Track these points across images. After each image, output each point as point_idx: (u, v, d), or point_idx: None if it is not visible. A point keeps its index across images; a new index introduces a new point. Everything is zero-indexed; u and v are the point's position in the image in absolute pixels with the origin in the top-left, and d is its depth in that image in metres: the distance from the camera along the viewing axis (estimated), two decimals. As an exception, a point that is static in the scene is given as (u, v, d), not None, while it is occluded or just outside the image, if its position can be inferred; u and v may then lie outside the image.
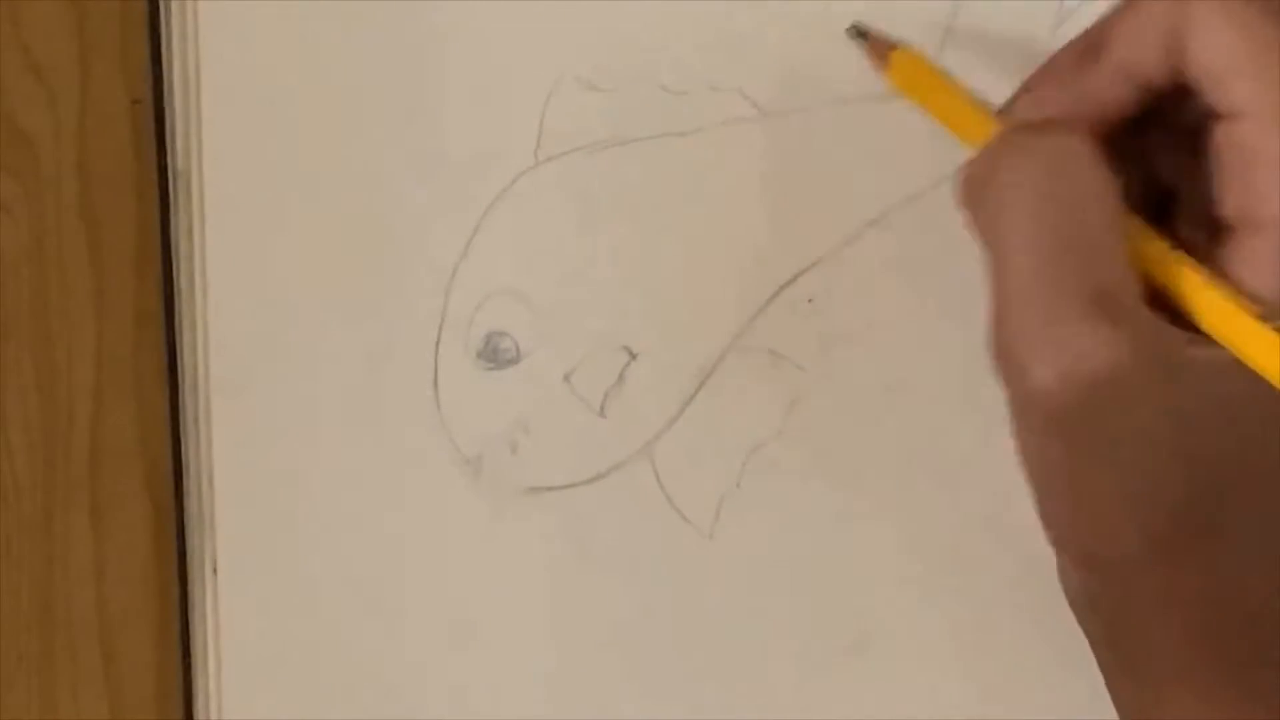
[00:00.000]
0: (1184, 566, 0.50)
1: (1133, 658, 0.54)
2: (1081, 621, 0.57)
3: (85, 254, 0.70)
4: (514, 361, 0.68)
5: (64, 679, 0.72)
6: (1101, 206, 0.50)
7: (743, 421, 0.67)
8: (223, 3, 0.67)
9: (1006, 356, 0.50)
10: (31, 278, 0.70)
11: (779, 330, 0.67)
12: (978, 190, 0.53)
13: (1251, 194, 0.50)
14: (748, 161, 0.66)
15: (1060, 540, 0.54)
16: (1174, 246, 0.51)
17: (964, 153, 0.56)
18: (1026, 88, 0.56)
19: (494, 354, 0.68)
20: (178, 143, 0.68)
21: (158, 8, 0.68)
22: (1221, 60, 0.50)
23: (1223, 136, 0.51)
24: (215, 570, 0.69)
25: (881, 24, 0.65)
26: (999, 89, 0.65)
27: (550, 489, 0.68)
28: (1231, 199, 0.51)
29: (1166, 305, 0.51)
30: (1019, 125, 0.54)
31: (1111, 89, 0.53)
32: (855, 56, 0.62)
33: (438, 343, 0.68)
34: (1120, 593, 0.53)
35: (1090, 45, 0.54)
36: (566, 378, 0.67)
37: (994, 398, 0.67)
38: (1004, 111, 0.57)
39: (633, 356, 0.67)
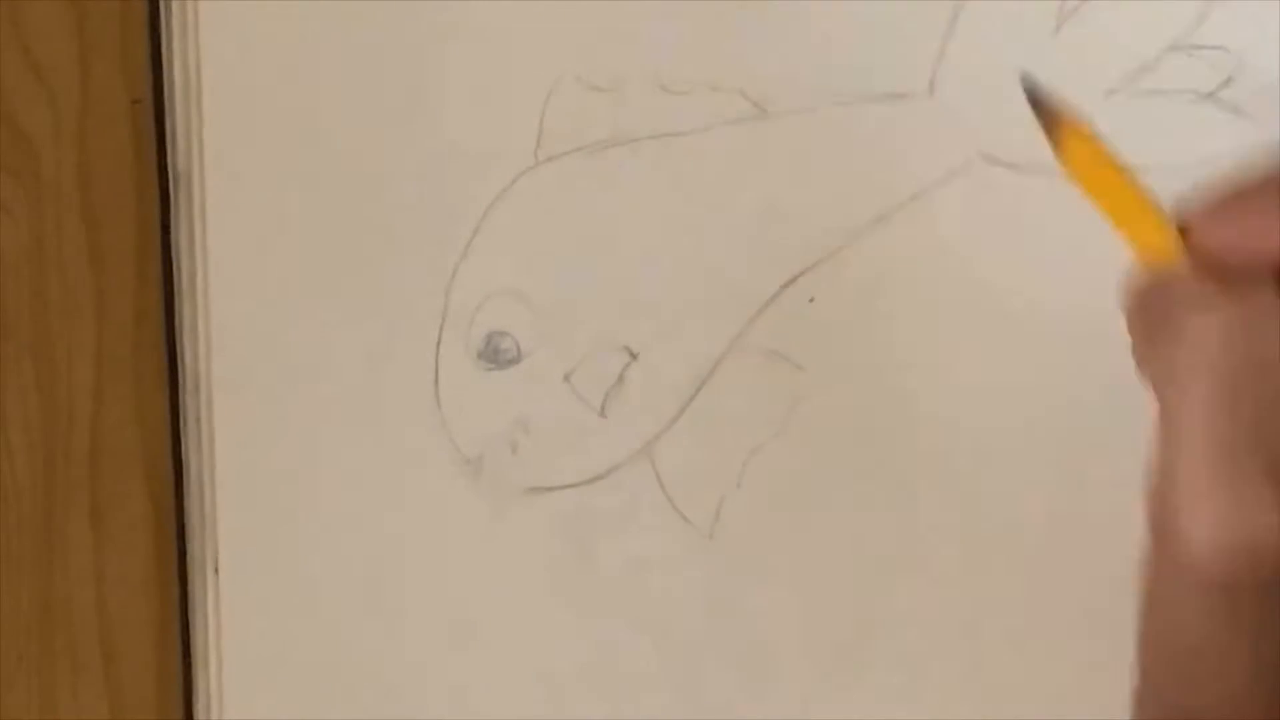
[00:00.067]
0: None
1: None
2: None
3: (85, 254, 0.70)
4: (514, 361, 0.67)
5: (64, 679, 0.72)
6: None
7: (743, 422, 0.67)
8: (223, 3, 0.67)
9: (1166, 513, 0.47)
10: (31, 278, 0.70)
11: (779, 330, 0.67)
12: (1151, 328, 0.47)
13: None
14: (748, 161, 0.66)
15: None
16: None
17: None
18: (1223, 205, 0.47)
19: (494, 354, 0.68)
20: (178, 143, 0.68)
21: (158, 8, 0.68)
22: None
23: None
24: (216, 570, 0.69)
25: (882, 24, 0.65)
26: (999, 89, 0.65)
27: (551, 489, 0.68)
28: None
29: None
30: (1210, 273, 0.47)
31: None
32: (855, 56, 0.62)
33: (438, 343, 0.67)
34: None
35: None
36: (567, 378, 0.67)
37: (995, 398, 0.67)
38: (1188, 223, 0.47)
39: (633, 356, 0.67)
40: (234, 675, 0.70)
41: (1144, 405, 0.67)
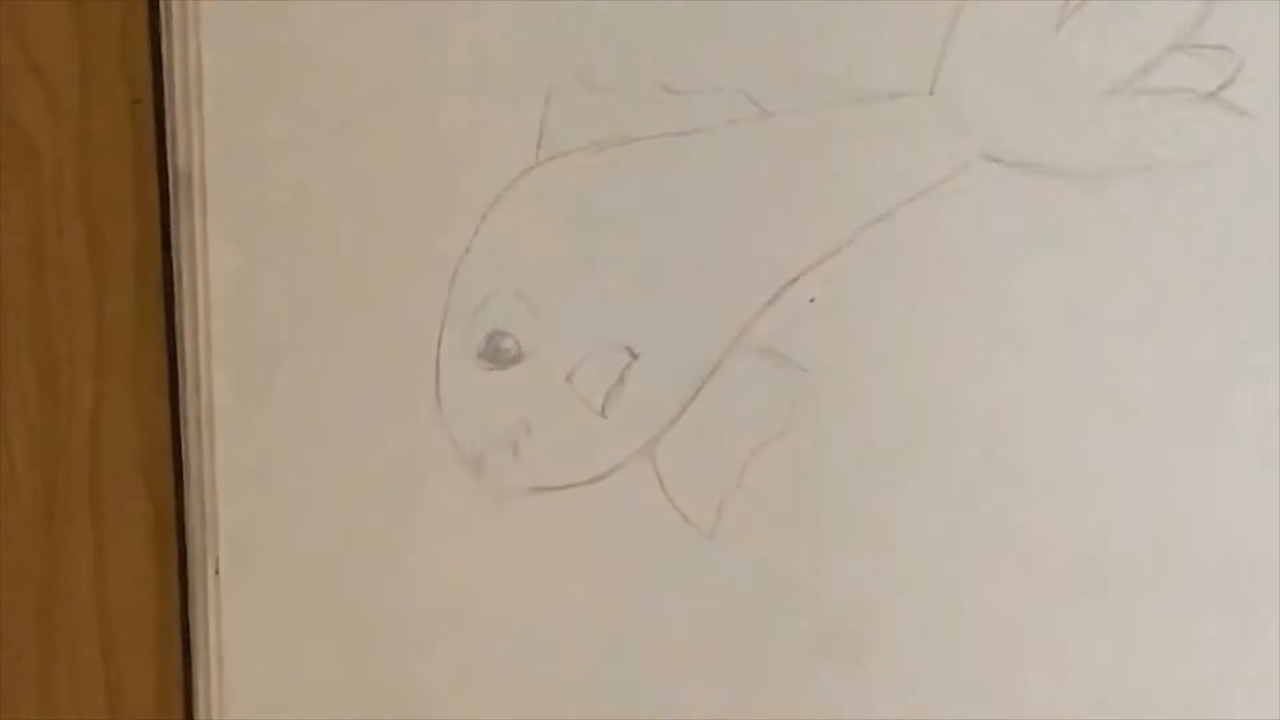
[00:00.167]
0: None
1: None
2: None
3: (85, 254, 0.70)
4: (515, 361, 0.67)
5: (64, 679, 0.72)
6: None
7: (744, 422, 0.67)
8: (223, 3, 0.67)
9: None
10: (31, 278, 0.70)
11: (780, 330, 0.67)
12: None
13: None
14: (749, 161, 0.66)
15: None
16: None
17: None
18: None
19: (495, 354, 0.68)
20: (178, 143, 0.68)
21: (158, 8, 0.68)
22: None
23: None
24: (216, 570, 0.69)
25: (883, 24, 0.65)
26: (999, 89, 0.66)
27: (552, 489, 0.68)
28: None
29: None
30: None
31: None
32: (855, 56, 0.62)
33: (439, 342, 0.67)
34: None
35: None
36: (568, 378, 0.67)
37: (994, 397, 0.67)
38: None
39: (634, 356, 0.67)
40: (234, 675, 0.70)
41: (1141, 400, 0.67)
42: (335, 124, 0.67)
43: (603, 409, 0.67)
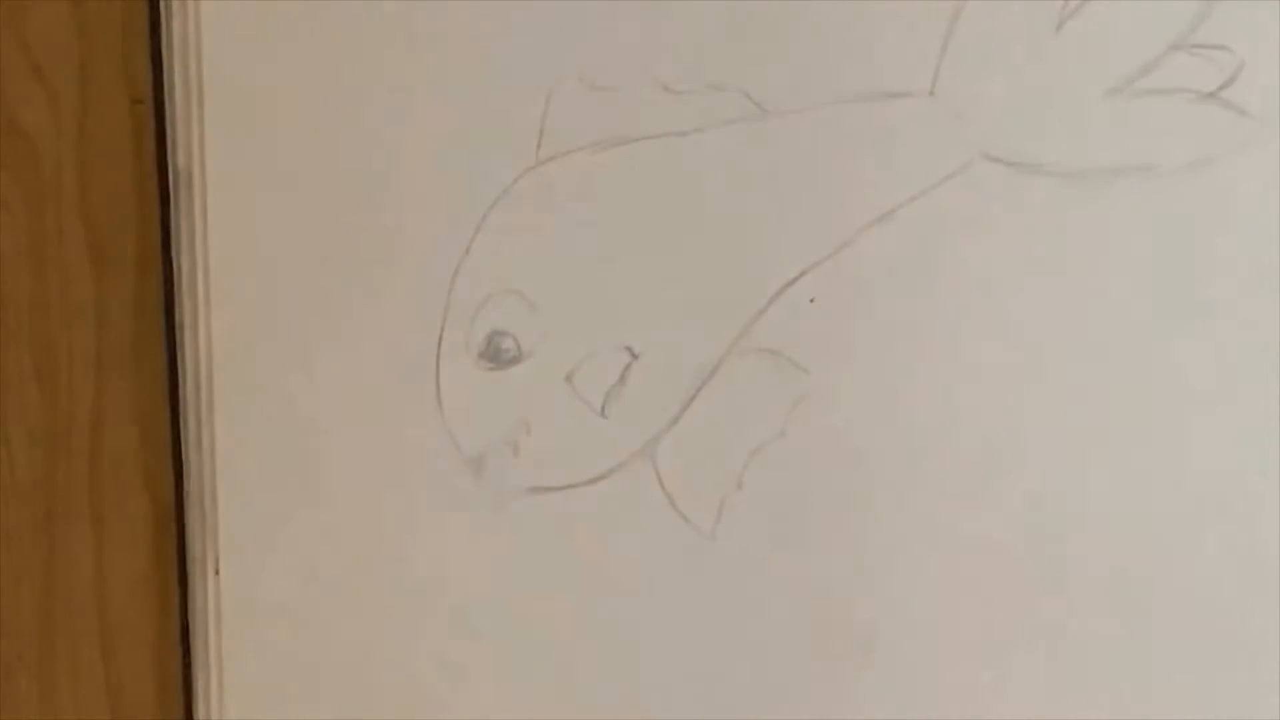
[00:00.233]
0: None
1: None
2: None
3: (85, 254, 0.70)
4: (516, 361, 0.67)
5: (64, 679, 0.72)
6: None
7: (744, 422, 0.67)
8: (223, 3, 0.67)
9: None
10: (31, 278, 0.70)
11: (781, 330, 0.67)
12: None
13: None
14: (749, 161, 0.66)
15: None
16: None
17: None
18: None
19: (496, 354, 0.68)
20: (178, 143, 0.68)
21: (158, 8, 0.68)
22: None
23: None
24: (216, 570, 0.69)
25: (883, 24, 0.65)
26: (999, 89, 0.66)
27: (552, 489, 0.68)
28: None
29: None
30: None
31: None
32: (855, 56, 0.62)
33: (439, 342, 0.67)
34: None
35: None
36: (568, 378, 0.67)
37: (994, 397, 0.67)
38: None
39: (634, 356, 0.67)
40: (234, 675, 0.70)
41: (1143, 402, 0.67)
42: (335, 124, 0.67)
43: (603, 409, 0.67)
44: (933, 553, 0.68)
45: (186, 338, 0.69)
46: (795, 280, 0.66)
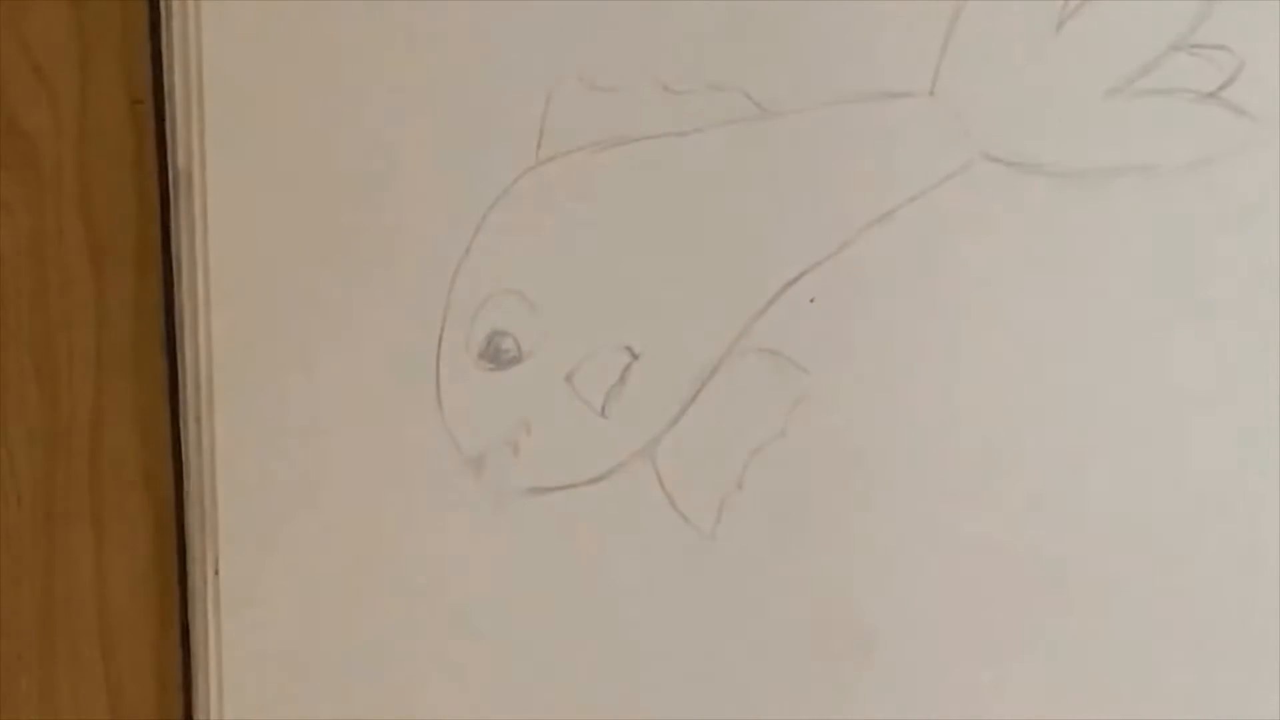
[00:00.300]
0: None
1: None
2: None
3: (85, 254, 0.70)
4: (516, 361, 0.67)
5: (64, 679, 0.72)
6: None
7: (745, 422, 0.67)
8: (223, 3, 0.67)
9: None
10: (31, 278, 0.70)
11: (781, 330, 0.67)
12: None
13: None
14: (749, 161, 0.66)
15: None
16: None
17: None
18: None
19: (496, 354, 0.68)
20: (178, 143, 0.68)
21: (158, 8, 0.68)
22: None
23: None
24: (216, 570, 0.69)
25: (883, 24, 0.65)
26: (999, 89, 0.66)
27: (552, 489, 0.68)
28: None
29: None
30: None
31: None
32: (855, 57, 0.62)
33: (439, 342, 0.67)
34: None
35: None
36: (568, 378, 0.67)
37: (994, 397, 0.67)
38: None
39: (634, 356, 0.67)
40: (234, 675, 0.70)
41: (1143, 402, 0.67)
42: (335, 124, 0.67)
43: (603, 409, 0.67)
44: (933, 553, 0.68)
45: (186, 338, 0.69)
46: (795, 280, 0.66)
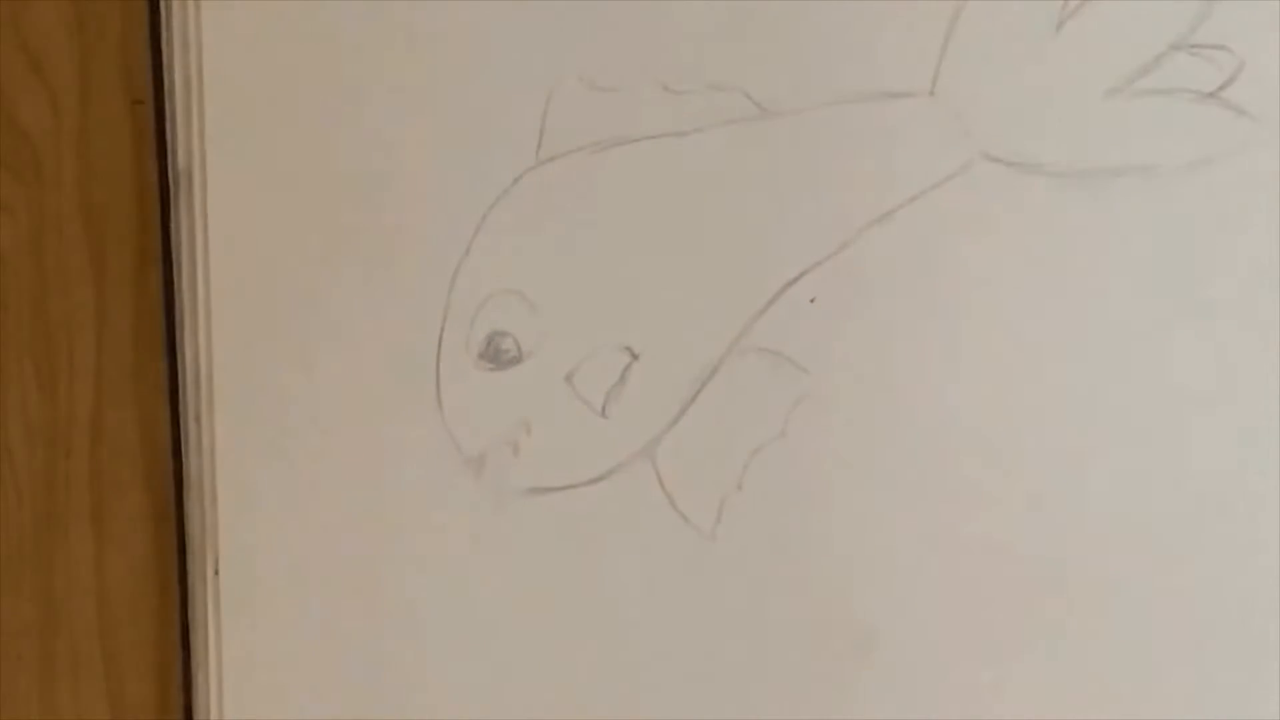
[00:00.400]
0: None
1: None
2: None
3: (85, 254, 0.70)
4: (516, 361, 0.67)
5: (64, 679, 0.72)
6: None
7: (745, 422, 0.67)
8: (223, 3, 0.67)
9: None
10: (31, 278, 0.70)
11: (781, 330, 0.67)
12: None
13: None
14: (749, 161, 0.66)
15: None
16: None
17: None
18: None
19: (496, 354, 0.68)
20: (178, 143, 0.68)
21: (158, 8, 0.68)
22: None
23: None
24: (216, 570, 0.69)
25: (883, 24, 0.65)
26: (999, 89, 0.66)
27: (552, 489, 0.68)
28: None
29: None
30: None
31: None
32: (855, 56, 0.62)
33: (439, 342, 0.67)
34: None
35: None
36: (568, 378, 0.67)
37: (994, 397, 0.67)
38: None
39: (634, 357, 0.67)
40: (234, 675, 0.70)
41: (1143, 402, 0.67)
42: (335, 124, 0.67)
43: (603, 409, 0.67)
44: (932, 553, 0.68)
45: (186, 338, 0.69)
46: (795, 280, 0.66)
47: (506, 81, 0.67)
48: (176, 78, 0.67)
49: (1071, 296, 0.66)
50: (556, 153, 0.67)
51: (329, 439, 0.68)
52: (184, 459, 0.70)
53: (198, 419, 0.69)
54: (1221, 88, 0.65)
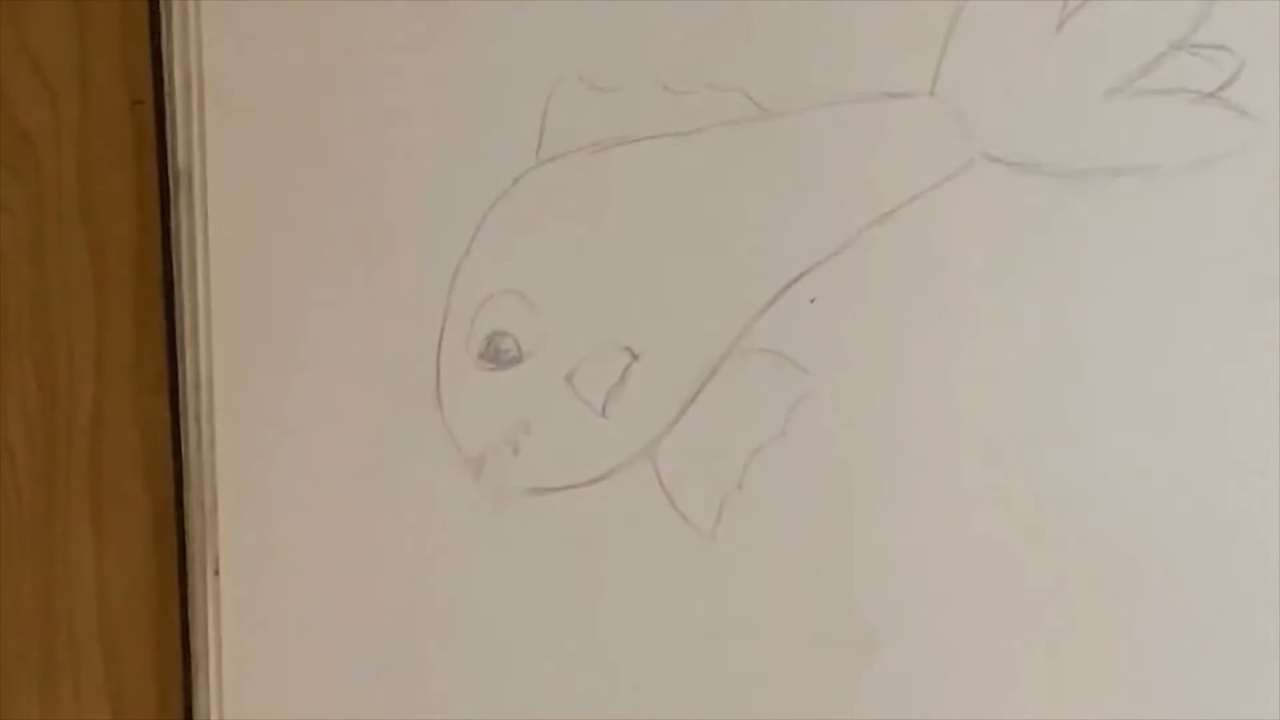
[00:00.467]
0: None
1: None
2: None
3: (85, 254, 0.70)
4: (516, 362, 0.67)
5: (64, 679, 0.72)
6: None
7: (745, 422, 0.67)
8: (223, 3, 0.67)
9: None
10: (31, 278, 0.70)
11: (781, 331, 0.67)
12: None
13: None
14: (749, 161, 0.66)
15: None
16: None
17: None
18: None
19: (496, 354, 0.68)
20: (178, 143, 0.68)
21: (158, 8, 0.68)
22: None
23: None
24: (216, 570, 0.69)
25: (883, 24, 0.65)
26: (1000, 89, 0.66)
27: (552, 489, 0.68)
28: None
29: None
30: None
31: None
32: (855, 56, 0.62)
33: (440, 343, 0.67)
34: None
35: None
36: (568, 378, 0.67)
37: (994, 397, 0.67)
38: None
39: (634, 357, 0.67)
40: (234, 675, 0.70)
41: (1143, 403, 0.67)
42: (335, 125, 0.67)
43: (603, 409, 0.67)
44: (933, 553, 0.68)
45: (186, 338, 0.69)
46: (795, 280, 0.66)
47: (506, 81, 0.67)
48: (176, 78, 0.67)
49: (1072, 296, 0.66)
50: (556, 153, 0.67)
51: (329, 439, 0.68)
52: (184, 459, 0.70)
53: (198, 419, 0.69)
54: (1221, 88, 0.65)
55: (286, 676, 0.70)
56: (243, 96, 0.67)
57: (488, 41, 0.67)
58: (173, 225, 0.69)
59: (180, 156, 0.68)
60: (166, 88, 0.68)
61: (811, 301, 0.67)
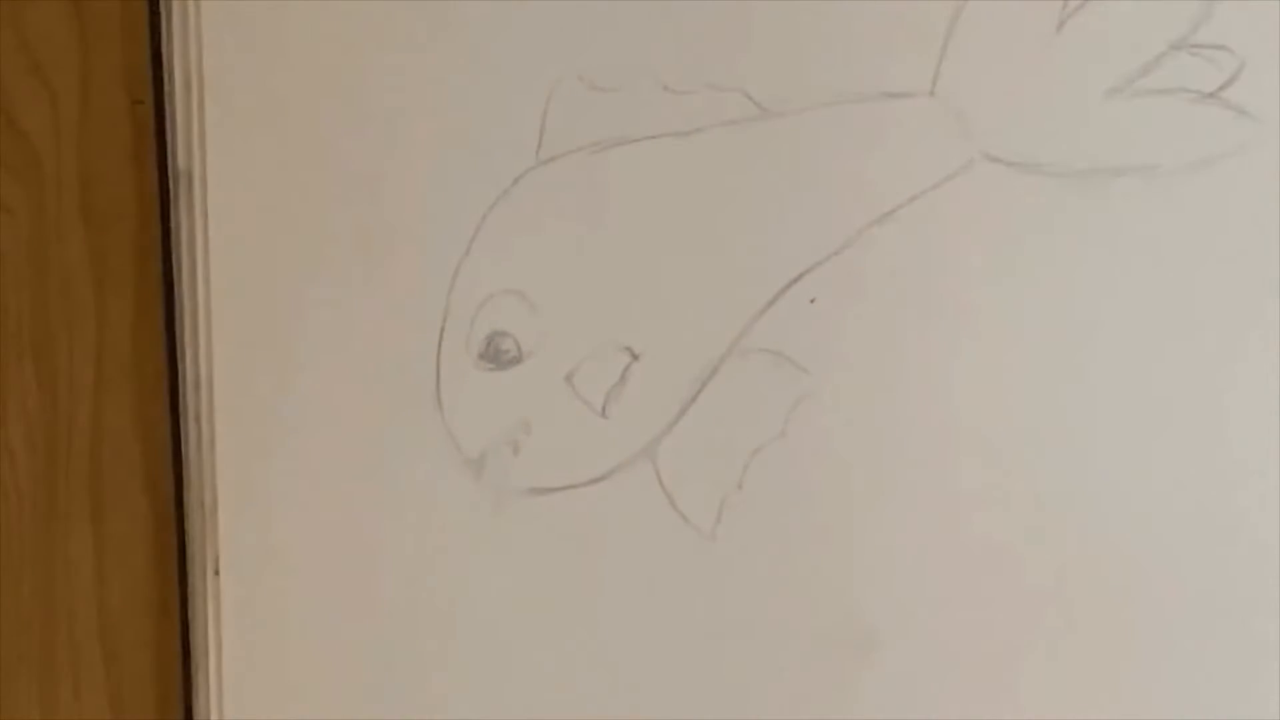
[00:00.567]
0: None
1: None
2: None
3: (85, 254, 0.70)
4: (516, 362, 0.67)
5: (64, 679, 0.72)
6: None
7: (745, 422, 0.67)
8: (223, 3, 0.67)
9: None
10: (31, 278, 0.70)
11: (781, 331, 0.67)
12: None
13: None
14: (749, 161, 0.66)
15: None
16: None
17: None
18: None
19: (496, 354, 0.68)
20: (178, 143, 0.68)
21: (158, 8, 0.68)
22: None
23: None
24: (216, 570, 0.69)
25: (883, 24, 0.65)
26: (1000, 89, 0.66)
27: (552, 489, 0.68)
28: None
29: None
30: None
31: None
32: (855, 56, 0.62)
33: (440, 343, 0.67)
34: None
35: None
36: (568, 378, 0.67)
37: (994, 397, 0.67)
38: None
39: (635, 357, 0.67)
40: (234, 675, 0.70)
41: (1144, 403, 0.67)
42: (335, 125, 0.67)
43: (603, 409, 0.67)
44: (933, 553, 0.68)
45: (186, 338, 0.69)
46: (795, 280, 0.66)
47: (506, 81, 0.67)
48: (176, 78, 0.67)
49: (1072, 296, 0.66)
50: (556, 153, 0.67)
51: (329, 439, 0.68)
52: (184, 459, 0.70)
53: (198, 419, 0.69)
54: (1221, 88, 0.65)
55: (286, 676, 0.70)
56: (243, 96, 0.67)
57: (488, 41, 0.67)
58: (173, 225, 0.69)
59: (180, 157, 0.68)
60: (166, 88, 0.68)
61: (811, 301, 0.67)
